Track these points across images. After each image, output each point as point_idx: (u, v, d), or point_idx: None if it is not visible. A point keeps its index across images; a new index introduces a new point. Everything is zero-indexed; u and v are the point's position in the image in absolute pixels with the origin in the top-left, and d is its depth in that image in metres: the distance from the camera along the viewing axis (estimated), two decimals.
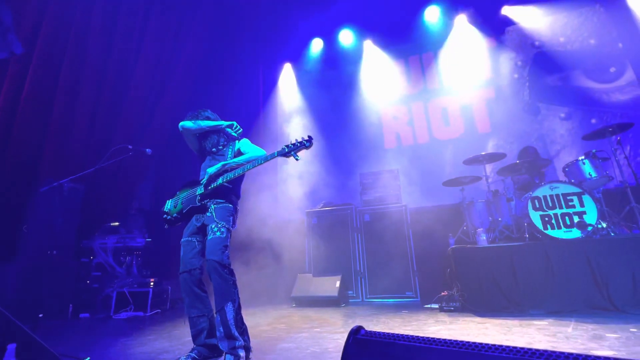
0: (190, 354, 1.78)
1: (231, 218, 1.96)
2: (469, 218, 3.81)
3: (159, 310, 3.80)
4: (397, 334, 0.48)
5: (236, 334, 1.71)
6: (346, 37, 5.95)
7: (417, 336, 0.47)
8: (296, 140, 1.88)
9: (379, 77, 5.94)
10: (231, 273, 1.82)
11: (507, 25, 5.47)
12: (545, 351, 0.38)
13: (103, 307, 3.74)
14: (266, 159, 1.93)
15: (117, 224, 4.47)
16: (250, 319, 3.08)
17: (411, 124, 5.67)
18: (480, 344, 0.42)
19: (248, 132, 5.32)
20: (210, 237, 1.85)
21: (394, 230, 4.08)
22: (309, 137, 1.85)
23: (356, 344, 0.48)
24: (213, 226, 1.88)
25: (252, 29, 5.99)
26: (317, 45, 6.20)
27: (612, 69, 4.80)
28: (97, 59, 4.77)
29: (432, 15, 5.61)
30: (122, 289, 3.75)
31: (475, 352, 0.40)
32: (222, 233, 1.86)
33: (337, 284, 3.77)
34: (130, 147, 2.41)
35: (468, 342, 0.43)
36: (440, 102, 5.59)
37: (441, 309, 3.04)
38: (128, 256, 4.24)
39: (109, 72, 4.86)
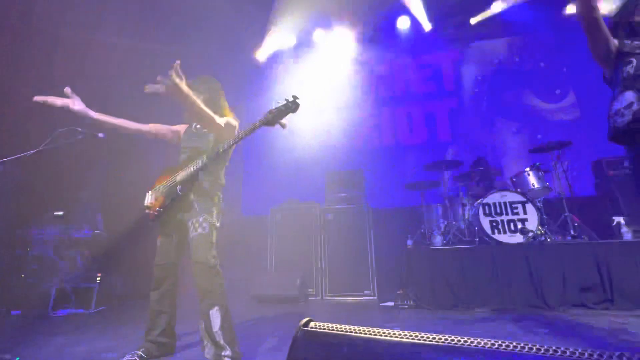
0: (137, 351, 1.68)
1: (214, 210, 1.78)
2: (427, 221, 4.00)
3: (105, 307, 3.54)
4: (346, 326, 0.49)
5: (222, 342, 1.57)
6: (319, 35, 5.95)
7: (365, 328, 0.48)
8: (278, 103, 1.62)
9: (349, 77, 6.02)
10: (218, 275, 1.67)
11: (472, 41, 5.82)
12: (462, 338, 0.41)
13: (39, 304, 3.41)
14: (252, 131, 1.66)
15: (61, 213, 4.10)
16: None
17: (378, 127, 5.83)
18: (419, 334, 0.44)
19: None
20: (192, 235, 1.69)
21: (356, 229, 4.16)
22: (294, 96, 1.61)
23: (305, 336, 0.48)
24: (194, 221, 1.71)
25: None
26: (290, 41, 6.15)
27: (557, 91, 5.30)
28: (47, 16, 4.27)
29: (403, 23, 5.80)
30: (63, 284, 3.44)
31: (415, 342, 0.42)
32: (204, 229, 1.69)
33: (298, 281, 3.77)
34: (80, 129, 2.21)
35: (410, 333, 0.45)
36: (406, 108, 5.80)
37: (396, 307, 3.16)
38: (72, 248, 3.91)
39: (61, 39, 4.34)
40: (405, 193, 4.45)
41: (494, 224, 3.27)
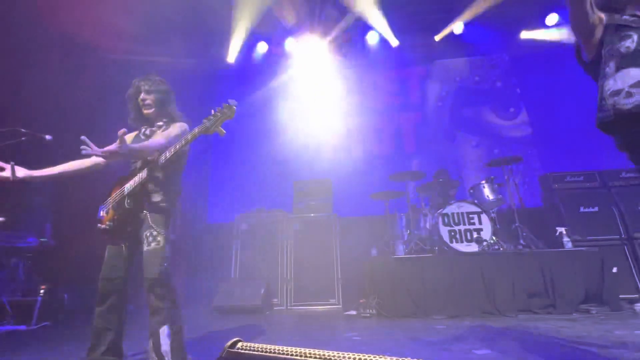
0: None
1: (168, 222, 1.69)
2: (391, 230, 4.11)
3: (49, 323, 3.26)
4: (275, 347, 0.49)
5: None
6: (291, 44, 6.00)
7: (295, 349, 0.49)
8: (215, 110, 1.56)
9: (319, 87, 6.11)
10: (170, 292, 1.58)
11: (436, 58, 6.14)
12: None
13: None
14: (191, 140, 1.59)
15: (1, 219, 3.74)
16: None
17: (347, 137, 5.94)
18: (347, 354, 0.46)
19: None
20: (145, 249, 1.60)
21: (322, 238, 4.18)
22: (230, 101, 1.56)
23: (229, 358, 0.48)
24: (147, 234, 1.62)
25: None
26: (261, 48, 6.14)
27: (512, 110, 5.72)
28: None
29: (372, 38, 6.00)
30: (0, 297, 3.13)
31: None
32: (157, 243, 1.61)
33: (262, 291, 3.71)
34: (23, 130, 2.05)
35: (340, 353, 0.46)
36: (376, 119, 5.97)
37: (359, 316, 3.19)
38: (13, 258, 3.57)
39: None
40: (371, 202, 4.55)
41: (452, 234, 3.43)
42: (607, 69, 1.33)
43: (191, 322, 3.15)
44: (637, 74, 1.22)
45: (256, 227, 4.33)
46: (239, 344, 0.50)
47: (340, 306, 3.84)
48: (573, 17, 1.36)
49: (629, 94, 1.22)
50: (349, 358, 0.44)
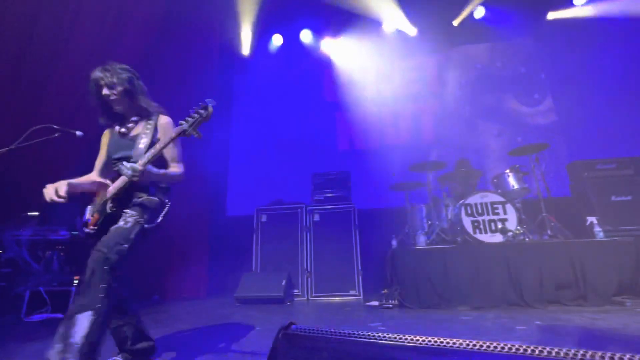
0: (116, 357, 1.64)
1: (149, 211, 1.58)
2: (411, 221, 4.06)
3: None
4: (326, 329, 0.49)
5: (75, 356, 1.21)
6: (306, 36, 5.95)
7: (345, 330, 0.49)
8: (191, 111, 1.49)
9: (337, 78, 6.06)
10: (114, 277, 1.38)
11: (455, 45, 5.95)
12: (438, 339, 0.42)
13: (12, 309, 3.26)
14: (167, 144, 1.52)
15: (36, 214, 3.94)
16: (191, 318, 2.93)
17: (365, 128, 5.88)
18: (398, 335, 0.45)
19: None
20: (113, 227, 1.50)
21: (342, 230, 4.18)
22: (205, 101, 1.47)
23: (286, 340, 0.48)
24: (123, 216, 1.53)
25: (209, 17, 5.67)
26: (277, 41, 6.12)
27: (536, 96, 5.49)
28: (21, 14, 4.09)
29: (389, 27, 5.86)
30: (38, 287, 3.31)
31: (392, 344, 0.43)
32: (126, 223, 1.49)
33: (284, 282, 3.76)
34: (56, 127, 2.13)
35: (389, 334, 0.46)
36: (392, 109, 5.87)
37: (381, 306, 3.19)
38: (48, 251, 3.76)
39: (35, 33, 4.16)
40: (391, 194, 4.51)
41: (476, 224, 3.35)
42: None
43: (214, 313, 3.24)
44: None
45: (275, 219, 4.37)
46: (294, 326, 0.50)
47: (360, 297, 3.85)
48: None
49: None
50: (406, 340, 0.44)
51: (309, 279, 4.05)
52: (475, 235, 3.30)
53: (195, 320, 2.87)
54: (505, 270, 3.01)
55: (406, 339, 0.43)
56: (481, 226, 3.33)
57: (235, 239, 5.04)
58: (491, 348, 0.39)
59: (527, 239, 3.26)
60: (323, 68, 6.11)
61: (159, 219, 1.63)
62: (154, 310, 3.46)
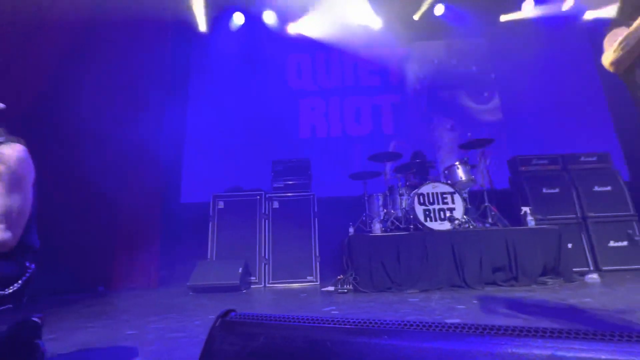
0: None
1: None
2: (369, 209, 4.20)
3: None
4: (267, 314, 0.49)
5: None
6: (270, 17, 5.74)
7: (286, 315, 0.48)
8: None
9: (300, 64, 5.95)
10: None
11: (416, 40, 6.13)
12: (373, 321, 0.44)
13: None
14: None
15: None
16: (139, 309, 2.78)
17: (327, 117, 5.89)
18: (335, 319, 0.46)
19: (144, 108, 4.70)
20: None
21: (301, 217, 4.20)
22: None
23: (223, 327, 0.47)
24: None
25: None
26: (238, 19, 5.83)
27: (486, 94, 5.89)
28: None
29: (354, 17, 5.86)
30: None
31: (329, 327, 0.44)
32: None
33: (240, 270, 3.70)
34: None
35: (329, 317, 0.46)
36: (355, 100, 5.94)
37: (336, 291, 3.28)
38: None
39: None
40: (350, 182, 4.61)
41: (427, 213, 3.56)
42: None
43: (165, 302, 3.11)
44: None
45: (233, 206, 4.26)
46: (232, 314, 0.49)
47: (317, 283, 3.93)
48: (619, 65, 1.41)
49: None
50: (343, 322, 0.45)
51: (267, 266, 4.03)
52: (426, 223, 3.50)
53: (143, 310, 2.73)
54: (450, 255, 3.25)
55: (340, 321, 0.44)
56: (432, 215, 3.54)
57: (190, 227, 4.85)
58: (420, 327, 0.41)
59: (471, 227, 3.53)
60: (288, 53, 5.97)
61: (10, 290, 1.21)
62: (98, 302, 3.23)
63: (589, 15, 5.55)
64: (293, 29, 5.91)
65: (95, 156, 4.22)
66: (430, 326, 0.41)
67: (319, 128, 5.82)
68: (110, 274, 4.23)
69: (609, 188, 4.00)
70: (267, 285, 3.98)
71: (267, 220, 4.19)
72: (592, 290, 2.78)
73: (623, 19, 1.48)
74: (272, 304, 2.85)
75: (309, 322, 0.45)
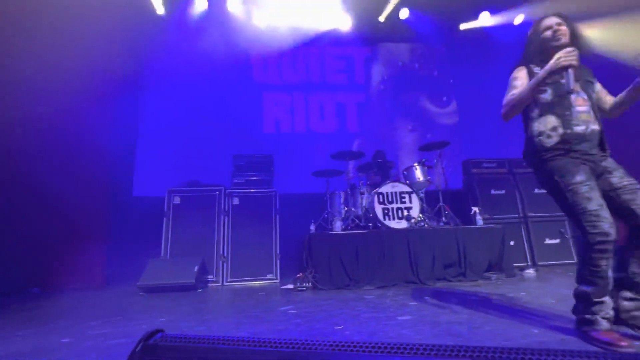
0: None
1: None
2: (330, 207, 4.23)
3: None
4: (200, 336, 0.45)
5: None
6: (234, 6, 5.51)
7: (221, 337, 0.45)
8: None
9: (265, 57, 5.81)
10: None
11: (382, 41, 6.25)
12: (305, 342, 0.42)
13: None
14: None
15: None
16: (78, 313, 2.55)
17: (291, 112, 5.82)
18: (265, 341, 0.44)
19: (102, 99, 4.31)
20: None
21: (262, 214, 4.12)
22: None
23: (146, 352, 0.42)
24: None
25: None
26: (200, 5, 5.52)
27: (444, 98, 6.18)
28: None
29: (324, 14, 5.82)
30: None
31: (267, 350, 0.42)
32: None
33: (196, 268, 3.55)
34: None
35: (257, 340, 0.44)
36: (320, 96, 5.94)
37: (295, 289, 3.28)
38: None
39: None
40: (312, 180, 4.60)
41: (386, 211, 3.66)
42: (533, 114, 1.69)
43: (110, 304, 2.90)
44: (553, 121, 1.61)
45: (190, 201, 4.07)
46: (160, 335, 0.45)
47: (277, 281, 3.89)
48: (515, 110, 1.69)
49: (549, 136, 1.61)
50: (270, 344, 0.43)
51: (225, 264, 3.91)
52: (384, 222, 3.60)
53: (84, 314, 2.51)
54: (406, 253, 3.38)
55: (271, 343, 0.42)
56: (390, 213, 3.65)
57: (143, 222, 4.55)
58: (350, 347, 0.40)
59: (426, 225, 3.70)
60: (252, 45, 5.78)
61: None
62: (30, 306, 2.92)
63: None
64: (259, 19, 5.72)
65: (33, 146, 3.80)
66: (361, 346, 0.40)
67: (283, 123, 5.74)
68: (47, 274, 3.85)
69: (545, 190, 4.40)
70: (225, 283, 3.87)
71: (226, 217, 4.05)
72: (528, 284, 3.05)
73: (524, 62, 1.78)
74: (228, 304, 2.78)
75: (246, 345, 0.42)
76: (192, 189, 4.14)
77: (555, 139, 1.59)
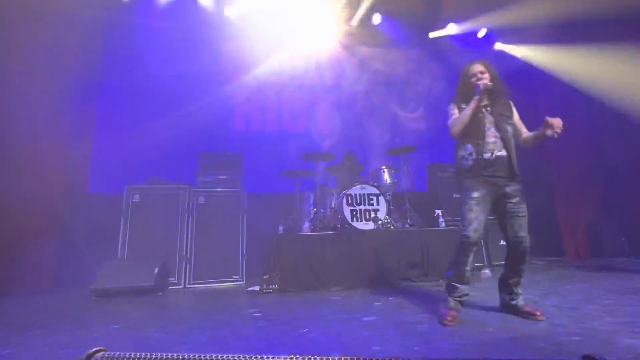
0: None
1: None
2: (299, 207, 4.21)
3: None
4: (144, 354, 0.42)
5: None
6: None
7: (156, 355, 0.42)
8: None
9: (237, 53, 5.65)
10: None
11: (356, 44, 6.32)
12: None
13: None
14: None
15: None
16: (20, 321, 2.32)
17: (263, 110, 5.72)
18: (223, 356, 0.42)
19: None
20: None
21: (229, 214, 4.01)
22: None
23: None
24: None
25: None
26: None
27: (413, 104, 6.39)
28: None
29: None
30: None
31: None
32: None
33: (156, 270, 3.38)
34: None
35: (212, 356, 0.41)
36: (293, 94, 5.89)
37: (262, 291, 3.22)
38: None
39: None
40: (282, 180, 4.55)
41: (354, 213, 3.71)
42: (458, 142, 2.15)
43: (58, 310, 2.67)
44: (470, 148, 2.04)
45: (152, 199, 3.86)
46: (99, 355, 0.41)
47: (243, 282, 3.81)
48: (460, 128, 2.05)
49: (467, 159, 2.04)
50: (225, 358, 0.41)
51: (188, 265, 3.76)
52: (352, 223, 3.65)
53: (29, 320, 2.29)
54: (373, 253, 3.45)
55: (217, 357, 0.40)
56: (358, 215, 3.71)
57: (98, 221, 4.24)
58: None
59: (392, 227, 3.80)
60: (225, 39, 5.60)
61: None
62: None
63: (498, 46, 6.42)
64: (231, 12, 5.55)
65: None
66: None
67: (254, 121, 5.63)
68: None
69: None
70: (188, 286, 3.72)
71: (191, 216, 3.89)
72: (484, 283, 3.24)
73: (456, 100, 2.20)
74: (189, 308, 2.67)
75: None
76: (154, 186, 3.93)
77: (470, 162, 2.01)
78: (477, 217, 1.91)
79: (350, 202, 3.71)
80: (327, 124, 5.93)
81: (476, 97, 2.01)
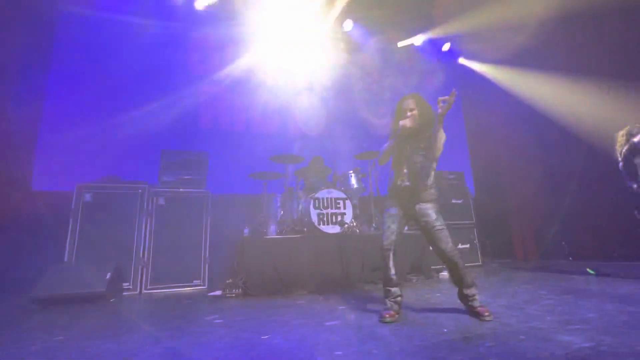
0: None
1: None
2: (266, 210, 4.15)
3: None
4: None
5: None
6: None
7: None
8: None
9: (204, 47, 5.46)
10: None
11: (326, 50, 6.38)
12: None
13: None
14: None
15: None
16: None
17: (232, 109, 5.58)
18: None
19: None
20: None
21: (191, 216, 3.86)
22: None
23: None
24: None
25: None
26: None
27: (381, 110, 6.56)
28: None
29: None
30: None
31: None
32: None
33: (108, 275, 3.15)
34: None
35: None
36: (263, 95, 5.80)
37: (224, 296, 3.13)
38: None
39: None
40: (249, 181, 4.47)
41: (321, 216, 3.73)
42: (390, 167, 2.42)
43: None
44: (392, 174, 2.39)
45: (105, 199, 3.61)
46: None
47: (205, 287, 3.68)
48: (381, 161, 2.44)
49: (391, 182, 2.39)
50: None
51: (145, 270, 3.55)
52: (319, 227, 3.66)
53: None
54: (338, 257, 3.48)
55: None
56: (325, 218, 3.73)
57: (43, 222, 3.88)
58: None
59: (357, 231, 3.87)
60: (191, 30, 5.39)
61: None
62: None
63: (462, 61, 6.82)
64: (201, 4, 5.36)
65: None
66: None
67: (222, 120, 5.47)
68: None
69: (461, 201, 4.99)
70: (145, 291, 3.51)
71: (149, 218, 3.69)
72: (443, 285, 3.40)
73: (392, 131, 2.41)
74: (145, 315, 2.52)
75: None
76: (108, 185, 3.68)
77: (390, 185, 2.39)
78: (389, 228, 2.30)
79: (317, 205, 3.72)
80: (297, 125, 5.91)
81: (392, 140, 2.34)
